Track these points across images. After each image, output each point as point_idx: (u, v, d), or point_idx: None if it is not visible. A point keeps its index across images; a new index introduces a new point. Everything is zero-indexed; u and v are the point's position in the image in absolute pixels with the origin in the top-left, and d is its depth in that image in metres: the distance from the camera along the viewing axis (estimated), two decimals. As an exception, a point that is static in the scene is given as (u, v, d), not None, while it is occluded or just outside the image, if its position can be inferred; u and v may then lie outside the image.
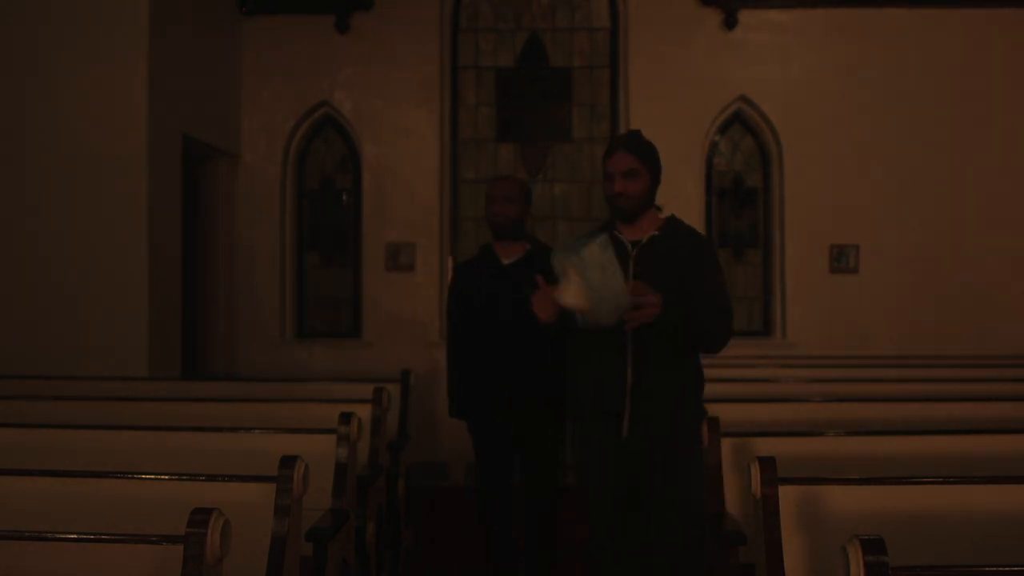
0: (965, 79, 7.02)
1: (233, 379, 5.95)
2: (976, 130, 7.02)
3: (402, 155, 7.26)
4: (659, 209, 3.31)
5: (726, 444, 3.26)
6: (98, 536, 2.10)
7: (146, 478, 2.63)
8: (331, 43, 7.22)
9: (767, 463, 2.47)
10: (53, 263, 5.48)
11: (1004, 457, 3.12)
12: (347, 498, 3.21)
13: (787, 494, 2.47)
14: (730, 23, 7.08)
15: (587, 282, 2.79)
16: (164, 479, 2.62)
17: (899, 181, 7.03)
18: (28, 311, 5.47)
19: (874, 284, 7.04)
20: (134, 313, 5.48)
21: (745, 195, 7.38)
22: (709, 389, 3.43)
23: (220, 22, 6.95)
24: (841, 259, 7.10)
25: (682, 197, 6.76)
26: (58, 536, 2.11)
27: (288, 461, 2.52)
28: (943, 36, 7.03)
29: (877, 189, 7.03)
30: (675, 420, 3.16)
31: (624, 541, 3.20)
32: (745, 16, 7.11)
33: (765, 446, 3.14)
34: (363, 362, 6.86)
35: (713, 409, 3.50)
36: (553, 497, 4.05)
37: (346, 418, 3.26)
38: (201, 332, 6.93)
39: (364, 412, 3.94)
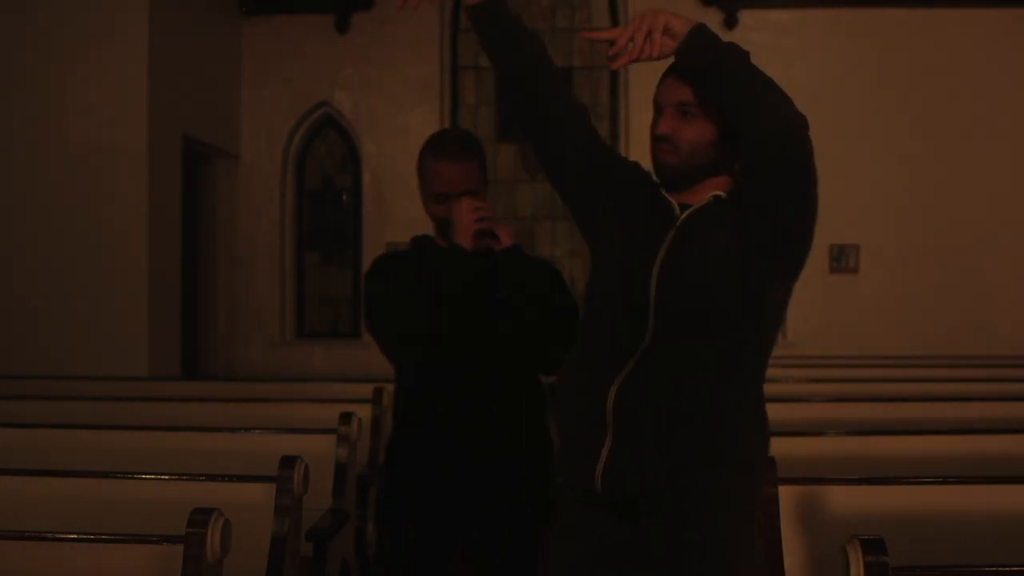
0: (965, 79, 7.02)
1: (233, 379, 5.95)
2: (976, 130, 7.01)
3: (402, 155, 7.23)
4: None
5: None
6: (98, 536, 2.10)
7: (146, 478, 2.62)
8: (331, 43, 7.22)
9: (767, 463, 2.47)
10: (53, 263, 5.48)
11: (1004, 457, 3.12)
12: (347, 498, 3.21)
13: (787, 494, 2.46)
14: (730, 23, 7.08)
15: None
16: (164, 479, 2.61)
17: (899, 181, 7.03)
18: (28, 311, 5.48)
19: (874, 284, 7.04)
20: (134, 313, 5.48)
21: (745, 195, 7.36)
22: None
23: (220, 22, 6.95)
24: (841, 259, 7.10)
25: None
26: (58, 536, 2.11)
27: (288, 461, 2.52)
28: (943, 36, 7.02)
29: (877, 189, 7.03)
30: (704, 512, 1.88)
31: None
32: (746, 16, 7.11)
33: (765, 446, 3.13)
34: (363, 362, 6.85)
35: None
36: None
37: (346, 418, 3.26)
38: (201, 332, 6.93)
39: (364, 412, 3.93)
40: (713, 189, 1.94)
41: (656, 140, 1.95)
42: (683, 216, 1.93)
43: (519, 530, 2.51)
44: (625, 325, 1.90)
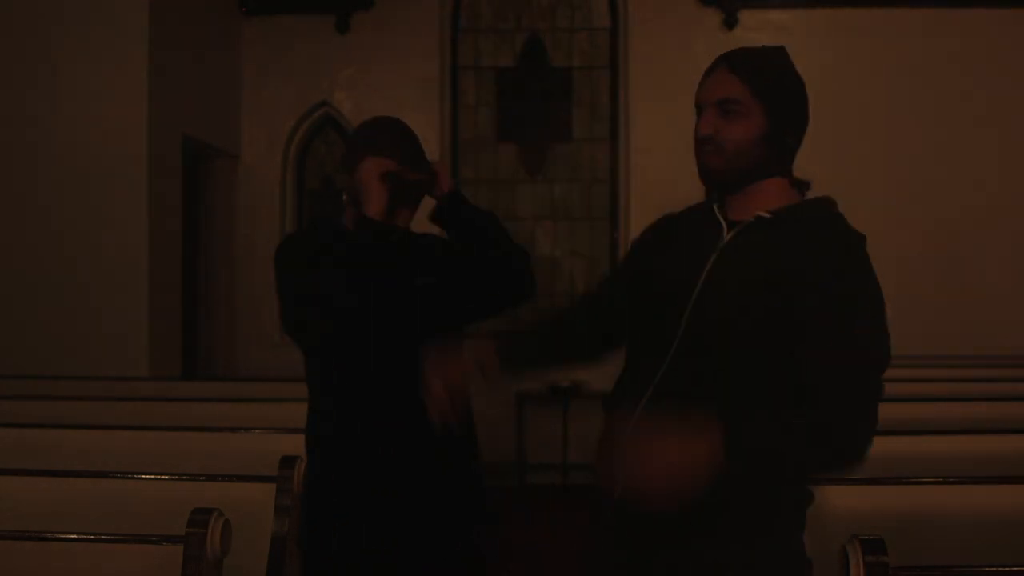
0: (965, 79, 7.01)
1: (233, 379, 5.95)
2: (976, 130, 7.01)
3: (402, 155, 7.25)
4: (803, 186, 1.90)
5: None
6: (98, 536, 2.10)
7: (146, 478, 2.62)
8: (331, 43, 7.21)
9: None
10: (53, 263, 5.48)
11: (1004, 457, 3.12)
12: (347, 498, 3.21)
13: (787, 494, 2.46)
14: (730, 23, 7.08)
15: None
16: (164, 479, 2.61)
17: (899, 181, 7.02)
18: (28, 311, 5.47)
19: (874, 284, 7.03)
20: (134, 313, 5.48)
21: (745, 195, 7.35)
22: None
23: (220, 22, 6.95)
24: (841, 259, 7.09)
25: (681, 197, 6.76)
26: (58, 536, 2.11)
27: (288, 461, 2.52)
28: (943, 36, 7.02)
29: (877, 189, 7.01)
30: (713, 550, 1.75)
31: None
32: (745, 16, 7.10)
33: (765, 446, 3.12)
34: (363, 362, 6.85)
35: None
36: None
37: (346, 418, 3.25)
38: (201, 332, 6.93)
39: (364, 412, 3.92)
40: (765, 195, 1.82)
41: (700, 143, 1.87)
42: (726, 239, 1.81)
43: (455, 535, 2.36)
44: (652, 353, 1.78)
